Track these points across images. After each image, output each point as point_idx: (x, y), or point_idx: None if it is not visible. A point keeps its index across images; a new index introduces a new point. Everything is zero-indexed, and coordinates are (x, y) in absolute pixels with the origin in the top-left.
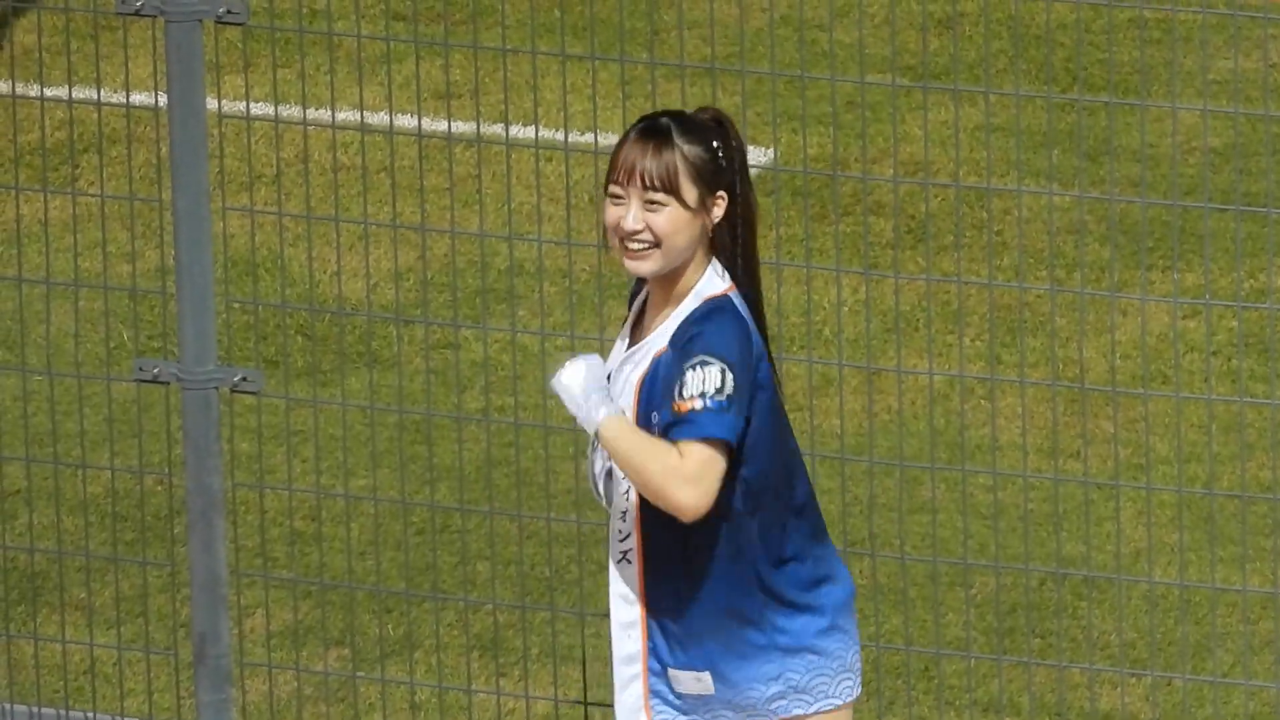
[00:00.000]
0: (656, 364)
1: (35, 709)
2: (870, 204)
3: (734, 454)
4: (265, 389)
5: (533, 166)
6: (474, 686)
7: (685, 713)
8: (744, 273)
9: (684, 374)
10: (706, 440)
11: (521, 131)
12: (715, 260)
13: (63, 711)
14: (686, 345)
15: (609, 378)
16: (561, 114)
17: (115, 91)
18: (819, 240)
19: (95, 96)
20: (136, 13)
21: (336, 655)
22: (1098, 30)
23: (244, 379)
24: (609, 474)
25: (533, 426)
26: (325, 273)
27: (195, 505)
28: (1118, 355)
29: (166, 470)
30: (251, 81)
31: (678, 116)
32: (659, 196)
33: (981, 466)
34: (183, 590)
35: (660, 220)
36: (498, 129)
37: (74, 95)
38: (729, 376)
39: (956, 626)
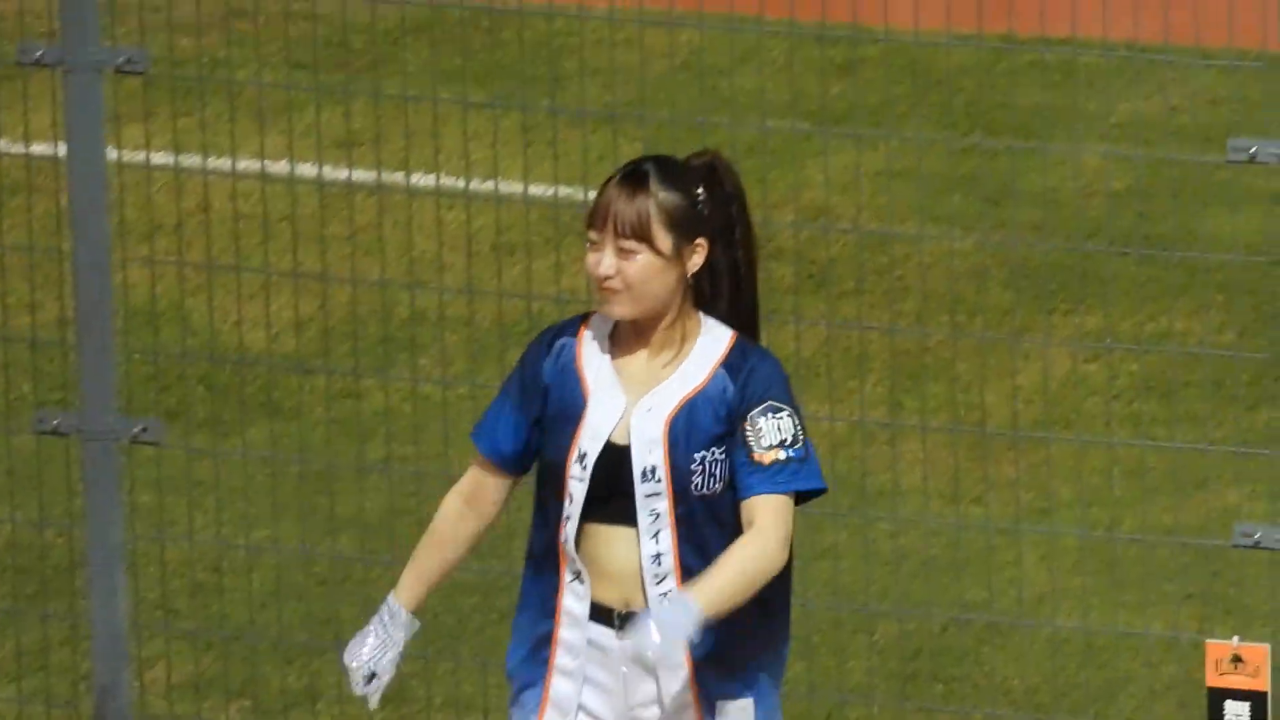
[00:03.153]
0: (691, 404)
1: None
2: (771, 249)
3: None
4: (166, 440)
5: (434, 214)
6: None
7: None
8: (744, 318)
9: (757, 421)
10: (790, 494)
11: (423, 179)
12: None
13: None
14: (750, 385)
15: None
16: (463, 161)
17: (15, 142)
18: None
19: None
20: (37, 63)
21: (239, 707)
22: (999, 74)
23: (145, 430)
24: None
25: (435, 475)
26: (226, 322)
27: (96, 557)
28: (1020, 399)
29: (67, 522)
30: (152, 131)
31: (663, 161)
32: (630, 244)
33: (883, 512)
34: (84, 643)
35: (632, 268)
36: (399, 177)
37: None
38: (797, 421)
39: (860, 673)
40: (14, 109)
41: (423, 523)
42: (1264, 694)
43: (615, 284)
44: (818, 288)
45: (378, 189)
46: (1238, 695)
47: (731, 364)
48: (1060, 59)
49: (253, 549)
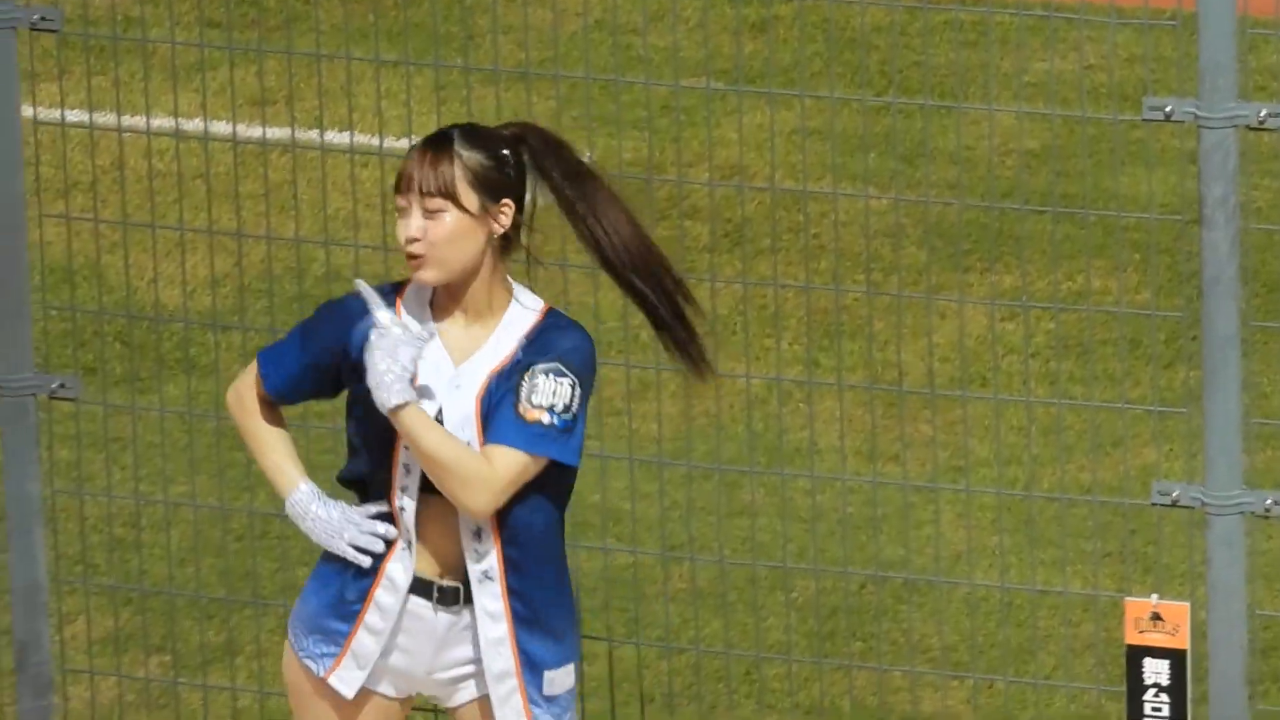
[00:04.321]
0: (498, 377)
1: None
2: (686, 208)
3: (569, 470)
4: (83, 396)
5: (348, 172)
6: None
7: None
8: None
9: (536, 377)
10: (536, 457)
11: (337, 137)
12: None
13: None
14: (544, 343)
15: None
16: (376, 119)
17: None
18: None
19: None
20: None
21: (158, 662)
22: (913, 33)
23: (62, 385)
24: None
25: None
26: (142, 280)
27: (14, 513)
28: (936, 358)
29: None
30: (66, 89)
31: (467, 126)
32: (436, 203)
33: (800, 470)
34: (3, 598)
35: (439, 228)
36: (313, 135)
37: None
38: (578, 393)
39: (777, 630)
40: None
41: (337, 480)
42: (1183, 651)
43: (419, 248)
44: (733, 246)
45: (292, 147)
46: (1157, 653)
47: (533, 335)
48: (975, 18)
49: (170, 505)
